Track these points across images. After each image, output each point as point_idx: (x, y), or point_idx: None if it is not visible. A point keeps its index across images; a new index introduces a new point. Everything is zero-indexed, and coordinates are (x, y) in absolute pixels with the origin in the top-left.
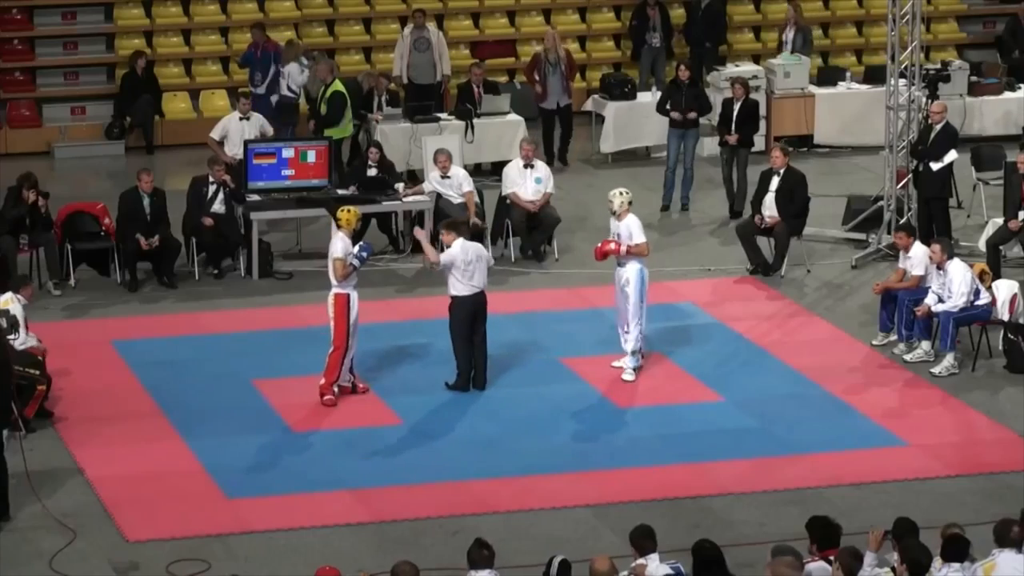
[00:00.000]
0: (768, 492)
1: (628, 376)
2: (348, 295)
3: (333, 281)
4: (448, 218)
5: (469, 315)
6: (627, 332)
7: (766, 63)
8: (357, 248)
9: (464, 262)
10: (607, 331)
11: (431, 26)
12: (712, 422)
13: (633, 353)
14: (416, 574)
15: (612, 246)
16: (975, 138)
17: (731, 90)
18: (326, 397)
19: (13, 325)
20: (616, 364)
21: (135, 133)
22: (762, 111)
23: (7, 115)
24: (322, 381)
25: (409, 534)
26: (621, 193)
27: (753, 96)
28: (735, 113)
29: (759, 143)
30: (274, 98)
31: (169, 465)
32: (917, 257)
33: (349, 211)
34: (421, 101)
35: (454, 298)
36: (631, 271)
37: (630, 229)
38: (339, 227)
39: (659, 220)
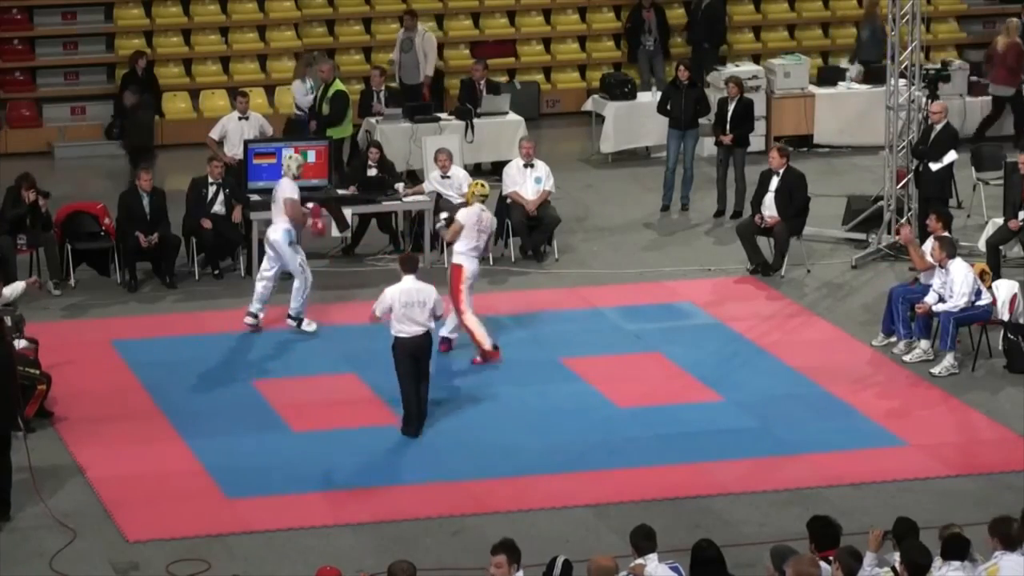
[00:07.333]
0: (768, 492)
1: (308, 328)
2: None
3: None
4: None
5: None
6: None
7: (766, 63)
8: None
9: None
10: (607, 331)
11: (421, 26)
12: (712, 422)
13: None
14: (413, 573)
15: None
16: (975, 138)
17: (726, 89)
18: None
19: (18, 325)
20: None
21: None
22: (762, 111)
23: (7, 115)
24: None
25: (409, 534)
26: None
27: (754, 96)
28: (729, 112)
29: (758, 143)
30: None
31: (169, 465)
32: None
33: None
34: (408, 101)
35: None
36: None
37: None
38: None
39: (659, 220)
